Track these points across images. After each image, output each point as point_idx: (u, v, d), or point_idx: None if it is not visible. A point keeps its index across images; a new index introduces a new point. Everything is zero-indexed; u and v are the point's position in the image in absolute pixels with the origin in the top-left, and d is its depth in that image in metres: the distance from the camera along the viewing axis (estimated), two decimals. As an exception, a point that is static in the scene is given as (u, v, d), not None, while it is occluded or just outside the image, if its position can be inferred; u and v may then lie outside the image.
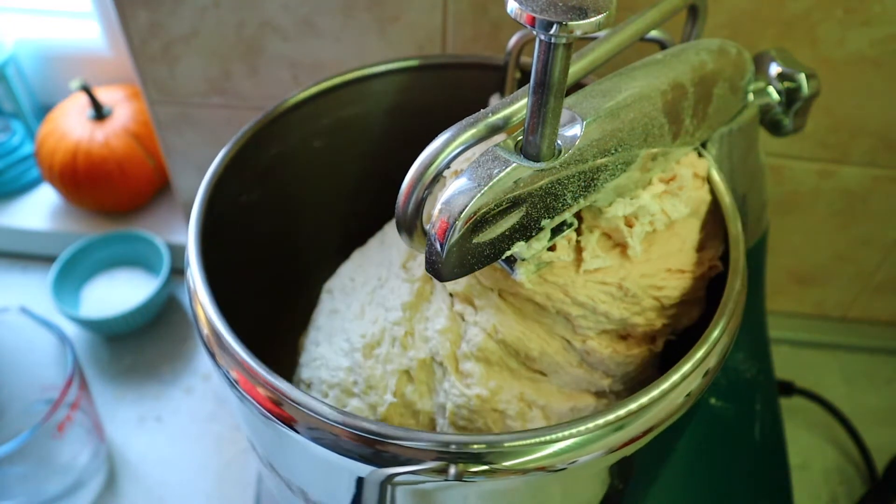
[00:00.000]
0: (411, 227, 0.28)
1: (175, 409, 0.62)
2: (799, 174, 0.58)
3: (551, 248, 0.32)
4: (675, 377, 0.28)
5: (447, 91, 0.46)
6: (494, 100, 0.44)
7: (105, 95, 0.71)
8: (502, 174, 0.27)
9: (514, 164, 0.27)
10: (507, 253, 0.30)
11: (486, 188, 0.27)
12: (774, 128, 0.45)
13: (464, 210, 0.27)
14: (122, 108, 0.70)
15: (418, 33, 0.52)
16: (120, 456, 0.59)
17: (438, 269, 0.28)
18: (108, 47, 0.73)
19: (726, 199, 0.36)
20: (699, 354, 0.29)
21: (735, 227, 0.34)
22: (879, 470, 0.59)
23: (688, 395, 0.28)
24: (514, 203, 0.28)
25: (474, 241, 0.28)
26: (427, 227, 0.29)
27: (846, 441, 0.61)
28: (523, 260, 0.31)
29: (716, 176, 0.37)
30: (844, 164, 0.57)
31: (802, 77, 0.42)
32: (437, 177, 0.27)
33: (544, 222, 0.30)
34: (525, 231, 0.30)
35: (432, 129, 0.47)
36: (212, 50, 0.55)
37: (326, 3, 0.51)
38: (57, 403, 0.49)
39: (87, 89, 0.67)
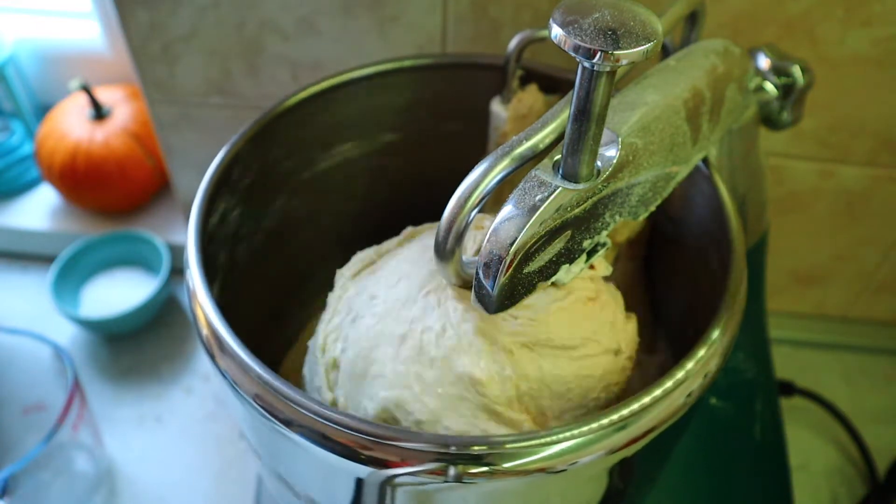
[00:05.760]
0: (451, 258, 0.28)
1: (175, 409, 0.62)
2: (799, 174, 0.58)
3: (590, 268, 0.31)
4: (677, 377, 0.28)
5: (447, 91, 0.46)
6: (495, 102, 0.44)
7: (105, 95, 0.71)
8: (548, 200, 0.26)
9: (559, 189, 0.27)
10: (553, 279, 0.30)
11: (534, 217, 0.26)
12: (773, 122, 0.45)
13: (514, 243, 0.26)
14: (122, 108, 0.70)
15: (418, 33, 0.52)
16: (120, 456, 0.59)
17: (489, 304, 0.28)
18: (108, 47, 0.73)
19: (727, 199, 0.36)
20: (700, 354, 0.29)
21: (735, 227, 0.34)
22: (880, 470, 0.59)
23: (689, 394, 0.28)
24: (561, 227, 0.27)
25: (525, 271, 0.27)
26: (467, 258, 0.28)
27: (847, 441, 0.61)
28: (564, 284, 0.31)
29: (716, 176, 0.36)
30: (844, 164, 0.57)
31: (797, 69, 0.42)
32: (479, 207, 0.26)
33: (586, 243, 0.29)
34: (570, 254, 0.29)
35: (431, 129, 0.48)
36: (212, 50, 0.55)
37: (326, 3, 0.51)
38: (59, 422, 0.48)
39: (86, 89, 0.67)
